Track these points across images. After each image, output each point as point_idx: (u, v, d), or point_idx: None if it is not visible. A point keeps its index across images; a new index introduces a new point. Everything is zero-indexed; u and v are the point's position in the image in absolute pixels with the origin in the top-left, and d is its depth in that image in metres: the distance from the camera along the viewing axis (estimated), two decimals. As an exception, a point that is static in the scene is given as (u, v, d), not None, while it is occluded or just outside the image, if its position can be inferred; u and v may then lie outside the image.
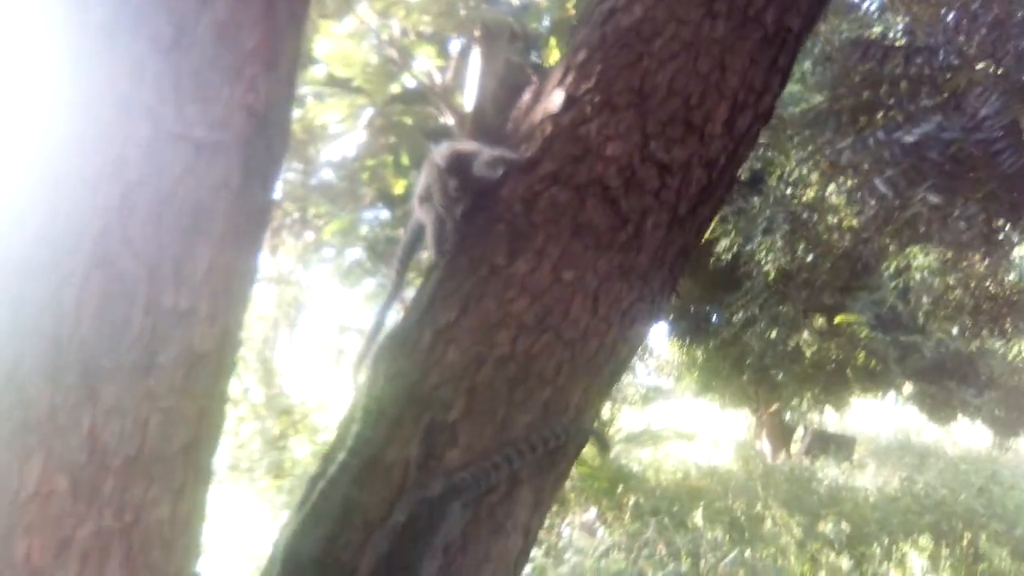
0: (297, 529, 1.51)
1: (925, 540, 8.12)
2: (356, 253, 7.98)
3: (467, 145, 1.67)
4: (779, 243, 5.92)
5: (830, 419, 17.74)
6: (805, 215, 5.98)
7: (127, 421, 1.28)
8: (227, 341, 1.40)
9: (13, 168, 1.24)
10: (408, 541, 1.39)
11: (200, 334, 1.34)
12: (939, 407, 14.30)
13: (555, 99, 1.64)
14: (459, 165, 1.59)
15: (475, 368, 1.49)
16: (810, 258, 6.12)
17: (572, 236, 1.53)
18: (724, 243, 6.50)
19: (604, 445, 2.09)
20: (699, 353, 13.83)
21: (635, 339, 1.63)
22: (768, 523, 8.39)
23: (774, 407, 14.83)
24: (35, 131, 1.24)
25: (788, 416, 15.94)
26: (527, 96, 1.84)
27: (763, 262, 6.16)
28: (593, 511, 8.30)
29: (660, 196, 1.58)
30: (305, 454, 7.88)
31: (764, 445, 15.82)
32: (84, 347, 1.25)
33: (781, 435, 15.93)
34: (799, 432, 16.79)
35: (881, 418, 19.90)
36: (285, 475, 7.45)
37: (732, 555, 6.50)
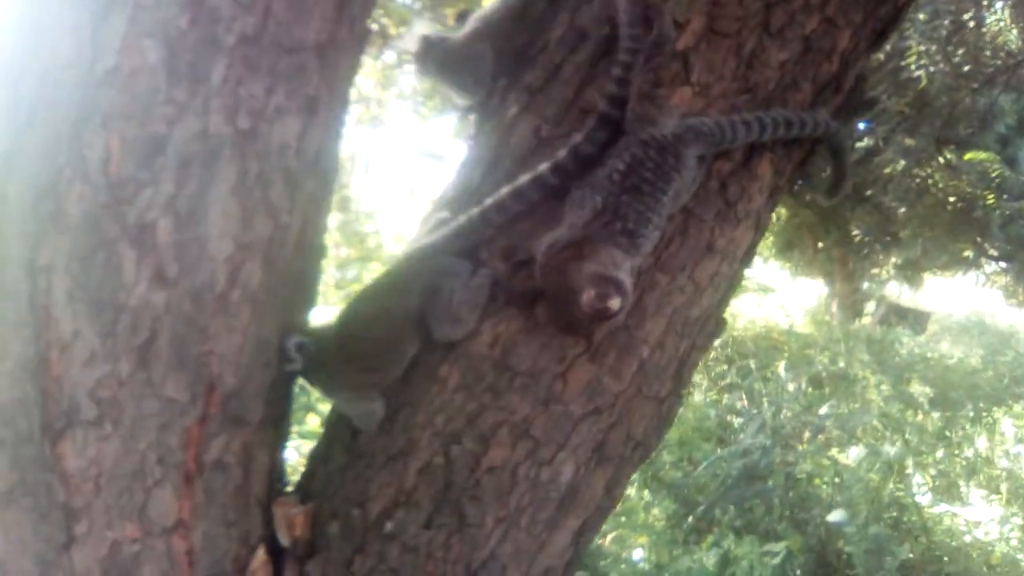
0: None
1: (1021, 408, 7.70)
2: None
3: None
4: (933, 48, 5.19)
5: (903, 297, 17.26)
6: (968, 17, 5.22)
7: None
8: None
9: None
10: (627, 193, 0.99)
11: None
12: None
13: None
14: None
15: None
16: (966, 68, 5.38)
17: None
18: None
19: (841, 176, 1.57)
20: (783, 211, 13.13)
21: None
22: (851, 381, 8.05)
23: (850, 275, 14.21)
24: None
25: (865, 286, 15.39)
26: None
27: (913, 67, 5.44)
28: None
29: None
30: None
31: (834, 315, 15.41)
32: None
33: (853, 305, 15.49)
34: (870, 306, 16.37)
35: (953, 299, 19.33)
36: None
37: (824, 409, 6.18)
